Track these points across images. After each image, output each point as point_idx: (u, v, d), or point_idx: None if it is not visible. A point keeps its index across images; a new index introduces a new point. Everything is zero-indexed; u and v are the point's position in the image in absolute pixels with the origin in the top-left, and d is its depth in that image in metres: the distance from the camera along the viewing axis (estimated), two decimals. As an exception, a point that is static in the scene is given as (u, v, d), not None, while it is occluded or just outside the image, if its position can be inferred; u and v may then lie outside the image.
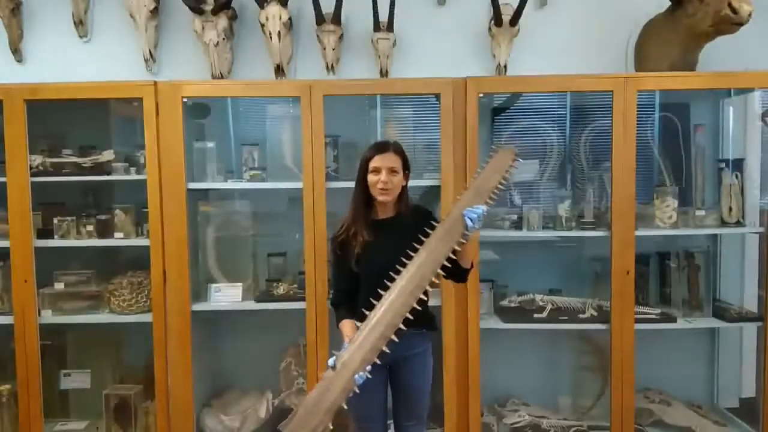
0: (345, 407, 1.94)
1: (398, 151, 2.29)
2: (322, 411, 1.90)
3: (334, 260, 2.36)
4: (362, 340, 1.99)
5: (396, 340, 1.99)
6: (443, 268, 2.13)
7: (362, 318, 2.06)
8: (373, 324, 2.00)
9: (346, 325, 2.23)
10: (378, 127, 3.26)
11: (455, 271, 2.24)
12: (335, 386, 1.93)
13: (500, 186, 2.25)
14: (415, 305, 2.03)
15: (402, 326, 2.00)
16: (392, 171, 2.24)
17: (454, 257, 2.14)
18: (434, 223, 2.23)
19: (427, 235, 2.15)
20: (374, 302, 2.05)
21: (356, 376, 1.93)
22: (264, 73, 3.23)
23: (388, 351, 1.99)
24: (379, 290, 2.07)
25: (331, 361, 1.98)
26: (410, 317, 2.02)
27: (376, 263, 2.19)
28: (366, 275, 2.24)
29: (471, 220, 2.10)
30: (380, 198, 2.27)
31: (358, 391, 1.94)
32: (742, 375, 3.40)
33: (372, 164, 2.25)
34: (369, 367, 1.95)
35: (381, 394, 2.33)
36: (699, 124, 3.29)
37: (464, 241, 2.14)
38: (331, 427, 1.90)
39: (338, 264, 2.34)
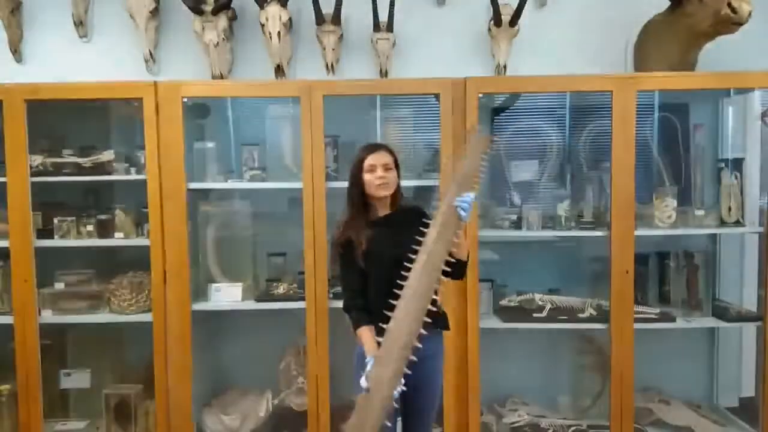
0: (388, 425, 1.98)
1: (389, 150, 2.35)
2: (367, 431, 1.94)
3: (341, 261, 2.35)
4: (387, 354, 2.01)
5: (420, 346, 2.02)
6: (446, 264, 2.14)
7: (378, 330, 2.10)
8: (394, 335, 2.03)
9: (365, 333, 2.23)
10: (378, 127, 3.26)
11: (454, 266, 2.24)
12: (373, 405, 1.95)
13: (481, 170, 2.31)
14: (430, 306, 2.06)
15: (423, 330, 2.04)
16: (387, 168, 2.29)
17: (454, 250, 2.16)
18: (428, 221, 2.22)
19: (422, 235, 2.16)
20: (388, 313, 2.06)
21: (393, 392, 1.96)
22: (264, 73, 3.23)
23: (415, 359, 2.01)
24: (389, 286, 2.09)
25: (363, 383, 2.01)
26: (428, 320, 2.05)
27: (384, 256, 2.22)
28: (374, 270, 2.27)
29: (464, 210, 2.14)
30: (380, 193, 2.30)
31: (397, 406, 1.97)
32: (742, 374, 3.41)
33: (367, 163, 2.29)
34: (402, 379, 1.99)
35: None
36: (698, 124, 3.30)
37: (460, 230, 2.17)
38: None
39: (345, 264, 2.34)
